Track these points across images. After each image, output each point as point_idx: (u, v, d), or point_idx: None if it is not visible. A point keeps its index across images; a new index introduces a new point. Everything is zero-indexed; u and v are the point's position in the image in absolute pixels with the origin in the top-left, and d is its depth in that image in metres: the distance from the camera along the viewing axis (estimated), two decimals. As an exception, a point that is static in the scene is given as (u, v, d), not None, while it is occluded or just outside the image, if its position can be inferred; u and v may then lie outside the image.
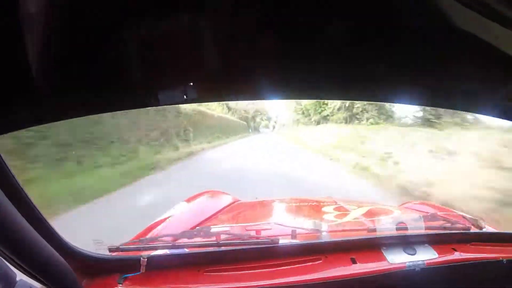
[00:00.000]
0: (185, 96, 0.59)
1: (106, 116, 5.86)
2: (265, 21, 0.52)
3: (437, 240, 1.04)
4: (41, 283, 0.67)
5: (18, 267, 0.61)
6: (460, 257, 0.99)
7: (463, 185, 5.01)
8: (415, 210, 1.68)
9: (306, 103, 18.15)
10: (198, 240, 0.93)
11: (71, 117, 0.64)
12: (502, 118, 0.84)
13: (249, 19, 0.51)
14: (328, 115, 17.00)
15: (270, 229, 1.16)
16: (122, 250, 0.88)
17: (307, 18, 0.51)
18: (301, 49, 0.57)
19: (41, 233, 0.64)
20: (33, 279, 0.65)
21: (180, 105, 10.07)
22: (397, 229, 1.06)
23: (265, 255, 0.92)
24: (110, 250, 0.88)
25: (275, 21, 0.52)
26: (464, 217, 1.26)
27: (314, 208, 1.71)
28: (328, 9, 0.50)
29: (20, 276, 0.63)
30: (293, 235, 1.03)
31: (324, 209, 1.56)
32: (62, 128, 4.92)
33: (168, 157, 8.64)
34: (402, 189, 5.74)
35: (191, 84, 0.58)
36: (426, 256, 0.97)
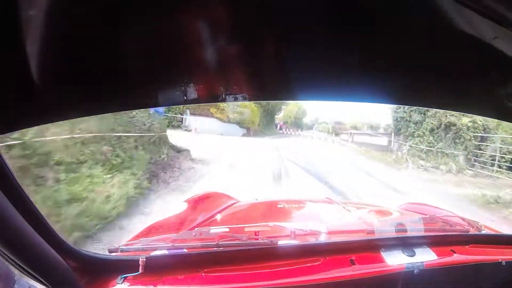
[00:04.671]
0: (185, 97, 0.59)
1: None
2: (265, 20, 0.52)
3: (436, 242, 1.04)
4: (40, 283, 0.67)
5: (17, 267, 0.61)
6: (459, 259, 1.00)
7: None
8: (414, 211, 1.68)
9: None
10: (197, 240, 0.93)
11: (72, 118, 0.64)
12: (500, 120, 0.84)
13: (249, 18, 0.52)
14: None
15: (269, 230, 1.16)
16: (122, 250, 0.88)
17: (306, 17, 0.52)
18: (302, 47, 0.57)
19: (41, 233, 0.65)
20: (32, 279, 0.65)
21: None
22: (396, 230, 1.06)
23: (264, 256, 0.92)
24: (110, 250, 0.88)
25: (275, 21, 0.52)
26: (463, 219, 1.26)
27: (314, 209, 1.71)
28: (329, 8, 0.50)
29: (19, 275, 0.64)
30: (292, 236, 1.03)
31: (324, 210, 1.56)
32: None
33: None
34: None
35: (191, 84, 0.59)
36: (425, 257, 0.97)
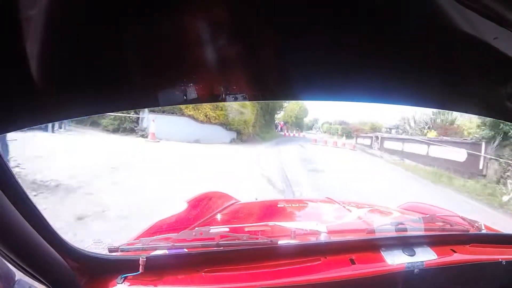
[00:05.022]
0: (185, 97, 0.59)
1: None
2: (265, 20, 0.52)
3: (436, 242, 1.05)
4: (40, 283, 0.67)
5: (17, 267, 0.61)
6: (459, 258, 1.00)
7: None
8: (415, 211, 1.68)
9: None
10: (197, 240, 0.93)
11: (71, 117, 0.64)
12: (500, 119, 0.84)
13: (249, 18, 0.52)
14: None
15: (270, 229, 1.16)
16: (122, 250, 0.88)
17: (306, 17, 0.52)
18: (302, 46, 0.57)
19: (41, 233, 0.65)
20: (32, 278, 0.65)
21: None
22: (397, 230, 1.06)
23: (264, 255, 0.92)
24: (110, 250, 0.88)
25: (275, 21, 0.52)
26: (463, 218, 1.26)
27: (314, 208, 1.71)
28: (328, 8, 0.50)
29: (19, 275, 0.64)
30: (293, 235, 1.03)
31: (324, 209, 1.57)
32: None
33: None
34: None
35: (191, 84, 0.59)
36: (425, 257, 0.97)
